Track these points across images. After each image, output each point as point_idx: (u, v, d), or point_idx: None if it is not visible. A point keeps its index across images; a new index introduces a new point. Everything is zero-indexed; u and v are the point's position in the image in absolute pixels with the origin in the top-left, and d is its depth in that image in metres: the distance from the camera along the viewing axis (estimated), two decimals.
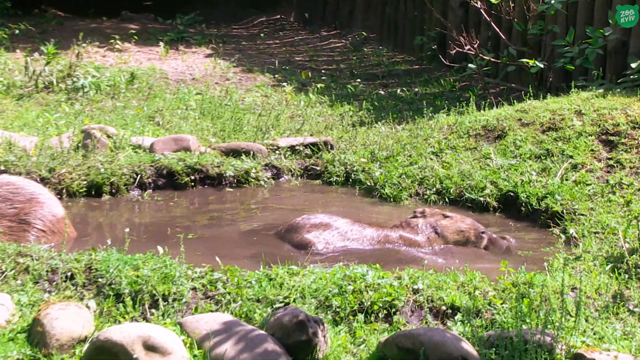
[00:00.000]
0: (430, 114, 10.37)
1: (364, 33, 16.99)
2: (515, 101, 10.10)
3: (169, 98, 11.54)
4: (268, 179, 8.81)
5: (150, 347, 4.60)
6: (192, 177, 8.52)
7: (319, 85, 12.85)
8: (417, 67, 14.50)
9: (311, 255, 6.63)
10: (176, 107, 10.98)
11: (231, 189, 8.55)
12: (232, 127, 10.02)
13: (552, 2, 10.85)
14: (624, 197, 7.51)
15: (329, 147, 9.31)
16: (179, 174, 8.48)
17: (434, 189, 8.29)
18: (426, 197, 8.23)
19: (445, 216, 7.22)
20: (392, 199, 8.26)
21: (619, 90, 9.62)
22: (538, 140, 8.74)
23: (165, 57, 14.73)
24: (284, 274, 5.52)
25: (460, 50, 11.44)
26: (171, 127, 10.00)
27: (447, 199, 8.16)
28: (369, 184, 8.57)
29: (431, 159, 8.84)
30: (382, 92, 12.91)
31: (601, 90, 9.63)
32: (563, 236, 7.03)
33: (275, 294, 5.31)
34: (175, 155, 8.67)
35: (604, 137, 8.56)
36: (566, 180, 7.96)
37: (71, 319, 4.84)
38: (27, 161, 8.12)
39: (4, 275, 5.34)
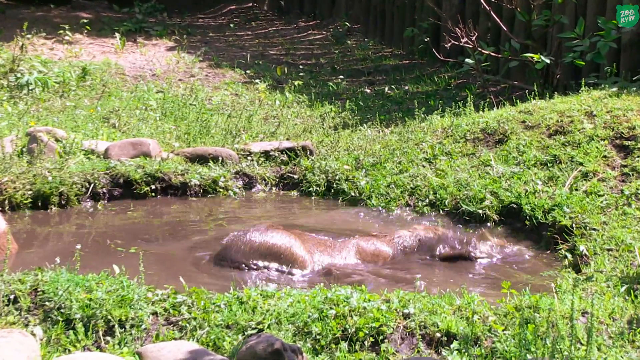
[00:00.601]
0: (422, 115, 10.40)
1: (347, 24, 17.03)
2: (518, 101, 10.15)
3: (126, 97, 11.52)
4: (239, 188, 8.80)
5: None
6: (153, 187, 8.51)
7: (296, 83, 12.87)
8: (407, 62, 14.54)
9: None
10: (134, 106, 10.96)
11: (196, 200, 8.53)
12: (197, 130, 10.01)
13: None
14: None
15: (308, 152, 9.32)
16: (137, 183, 8.46)
17: (427, 200, 8.30)
18: (418, 209, 8.25)
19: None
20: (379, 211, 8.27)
21: (634, 88, 9.68)
22: (544, 145, 8.78)
23: (122, 50, 14.70)
24: (257, 297, 5.52)
25: (456, 43, 11.48)
26: (129, 130, 9.98)
27: (441, 211, 8.17)
28: (353, 194, 8.58)
29: (423, 166, 8.87)
30: (368, 91, 12.94)
31: (615, 89, 9.68)
32: (570, 254, 7.05)
33: (247, 320, 5.31)
34: (133, 161, 8.65)
35: (618, 141, 8.61)
36: (576, 190, 7.99)
37: (14, 348, 4.81)
38: None
39: None
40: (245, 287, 5.67)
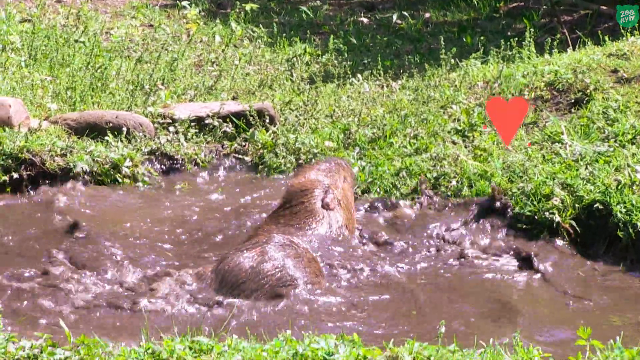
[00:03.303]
0: (452, 61, 10.43)
1: None
2: (607, 37, 10.20)
3: None
4: (154, 177, 8.79)
5: None
6: (15, 175, 8.50)
7: (248, 7, 12.88)
8: None
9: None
10: None
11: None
12: (88, 84, 10.00)
13: None
14: None
15: (267, 120, 9.34)
16: None
17: (459, 197, 8.33)
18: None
19: None
20: None
21: None
22: None
23: None
24: (185, 352, 5.54)
25: None
26: None
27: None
28: None
29: (454, 143, 8.90)
30: (365, 20, 12.98)
31: None
32: None
33: None
34: None
35: None
36: None
37: None
38: None
39: None
40: (164, 337, 5.69)
